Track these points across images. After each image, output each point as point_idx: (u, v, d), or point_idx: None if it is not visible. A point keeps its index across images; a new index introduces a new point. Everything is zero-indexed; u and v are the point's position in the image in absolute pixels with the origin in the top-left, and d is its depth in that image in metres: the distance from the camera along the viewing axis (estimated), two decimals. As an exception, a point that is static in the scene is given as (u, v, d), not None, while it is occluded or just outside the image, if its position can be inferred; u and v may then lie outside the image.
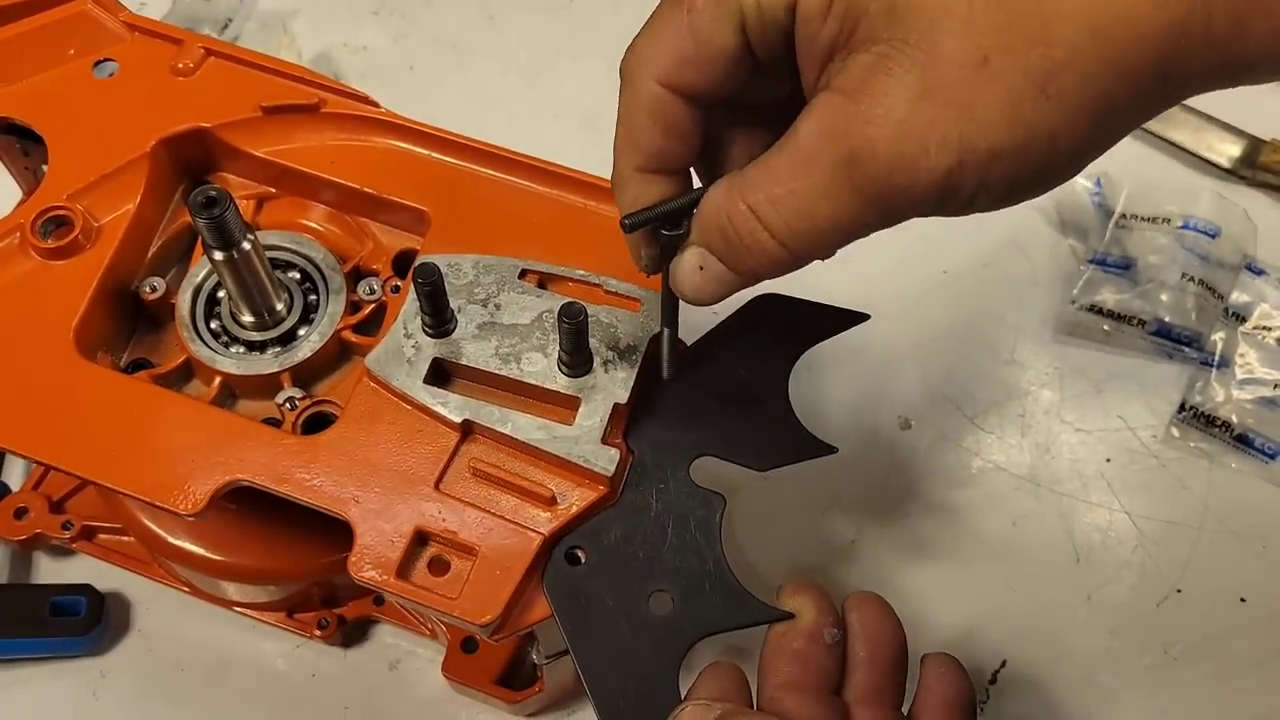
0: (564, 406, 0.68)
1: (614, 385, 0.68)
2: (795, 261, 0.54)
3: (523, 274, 0.71)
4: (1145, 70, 0.47)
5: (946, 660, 0.65)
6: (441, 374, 0.69)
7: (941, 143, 0.48)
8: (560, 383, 0.68)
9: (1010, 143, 0.48)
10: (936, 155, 0.48)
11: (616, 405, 0.67)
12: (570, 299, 0.66)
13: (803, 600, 0.63)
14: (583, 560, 0.66)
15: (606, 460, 0.66)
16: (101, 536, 0.90)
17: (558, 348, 0.67)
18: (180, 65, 0.78)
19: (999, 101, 0.47)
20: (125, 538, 0.89)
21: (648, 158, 0.56)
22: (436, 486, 0.67)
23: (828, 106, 0.50)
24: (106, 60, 0.79)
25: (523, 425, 0.67)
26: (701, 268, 0.56)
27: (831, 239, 0.52)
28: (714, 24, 0.52)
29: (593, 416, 0.67)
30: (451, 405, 0.68)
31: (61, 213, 0.73)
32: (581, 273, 0.71)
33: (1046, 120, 0.48)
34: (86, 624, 0.86)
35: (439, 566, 0.66)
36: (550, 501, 0.66)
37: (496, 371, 0.68)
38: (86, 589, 0.87)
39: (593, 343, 0.67)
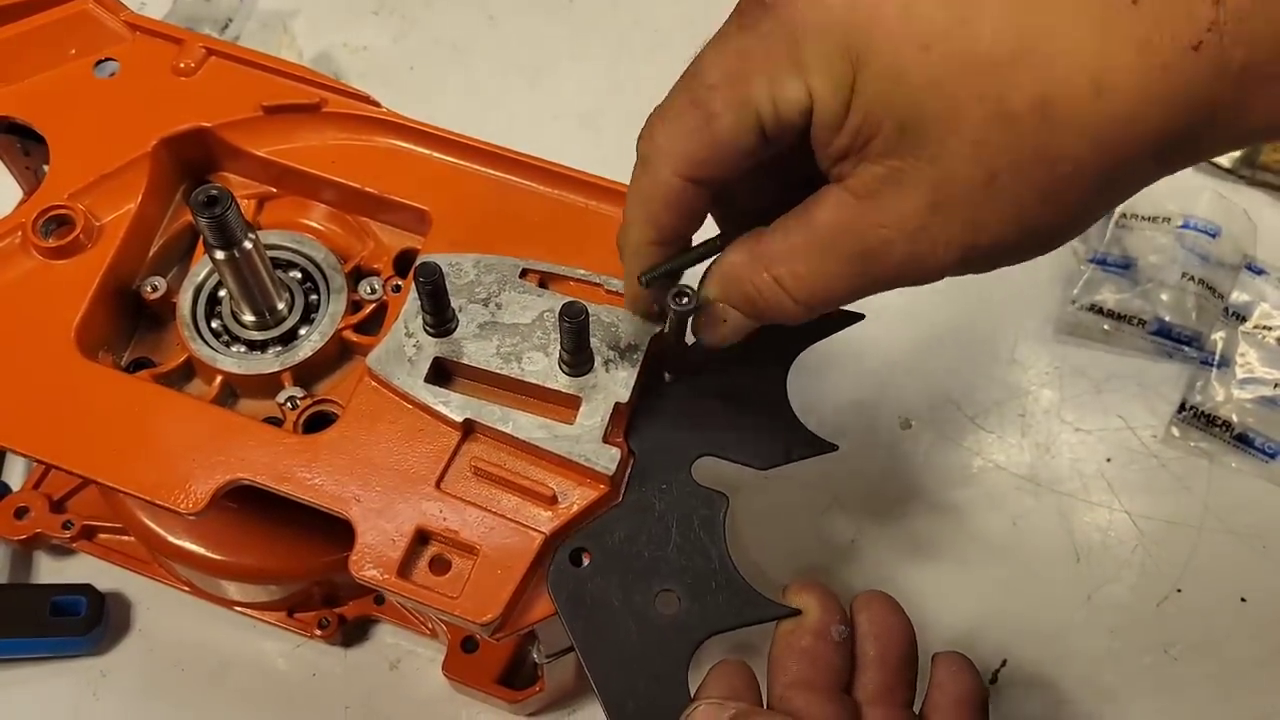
0: (565, 406, 0.68)
1: (615, 384, 0.67)
2: (812, 316, 0.58)
3: (524, 273, 0.71)
4: (1147, 164, 0.50)
5: (958, 658, 0.65)
6: (443, 373, 0.69)
7: (949, 245, 0.51)
8: (561, 382, 0.68)
9: (1013, 240, 0.51)
10: (944, 255, 0.52)
11: (618, 404, 0.67)
12: (571, 298, 0.66)
13: (808, 598, 0.63)
14: (587, 562, 0.66)
15: (607, 459, 0.66)
16: (102, 536, 0.90)
17: (559, 347, 0.67)
18: (181, 65, 0.78)
19: (1005, 213, 0.50)
20: (126, 537, 0.89)
21: (662, 233, 0.59)
22: (438, 486, 0.67)
23: (844, 203, 0.53)
24: (107, 60, 0.79)
25: (524, 424, 0.67)
26: (725, 320, 0.61)
27: (844, 302, 0.57)
28: (733, 128, 0.54)
29: (594, 415, 0.67)
30: (453, 404, 0.68)
31: (63, 212, 0.73)
32: (582, 272, 0.71)
33: (1048, 222, 0.51)
34: (87, 624, 0.86)
35: (440, 566, 0.66)
36: (551, 501, 0.66)
37: (498, 371, 0.68)
38: (87, 589, 0.87)
39: (594, 342, 0.67)
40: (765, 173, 0.58)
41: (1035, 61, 0.47)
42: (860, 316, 0.72)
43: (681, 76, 0.55)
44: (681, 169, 0.56)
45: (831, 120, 0.51)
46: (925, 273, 0.53)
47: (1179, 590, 0.94)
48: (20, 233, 0.73)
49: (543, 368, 0.68)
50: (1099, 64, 0.47)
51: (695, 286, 0.61)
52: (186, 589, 0.89)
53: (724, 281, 0.59)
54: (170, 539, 0.82)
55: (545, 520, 0.66)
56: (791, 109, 0.52)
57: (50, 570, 0.92)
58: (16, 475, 0.93)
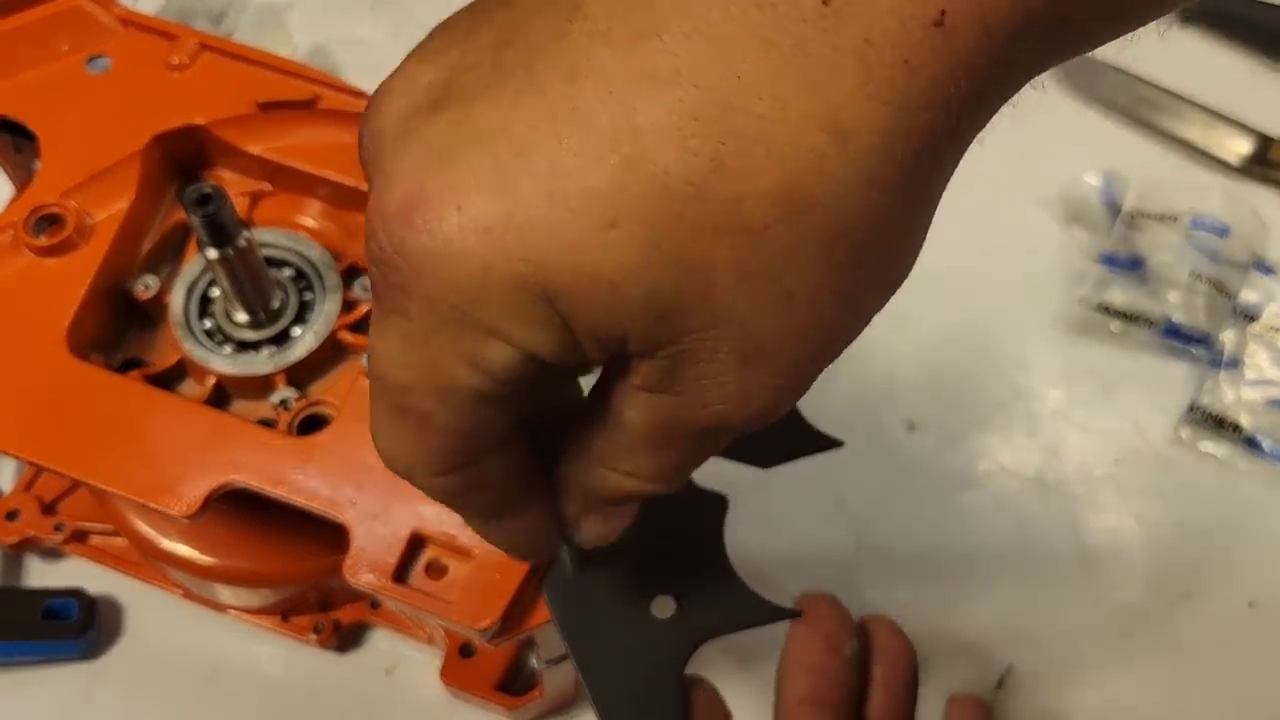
0: (563, 405, 0.67)
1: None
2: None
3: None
4: (944, 146, 0.37)
5: (976, 704, 0.64)
6: (439, 374, 0.68)
7: (788, 375, 0.41)
8: (559, 381, 0.66)
9: (853, 319, 0.41)
10: (788, 386, 0.41)
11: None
12: None
13: (819, 611, 0.62)
14: (583, 564, 0.65)
15: (606, 459, 0.65)
16: (94, 539, 0.89)
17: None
18: (175, 61, 0.77)
19: (826, 313, 0.40)
20: (118, 540, 0.88)
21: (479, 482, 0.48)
22: (434, 489, 0.66)
23: (649, 402, 0.42)
24: (100, 56, 0.78)
25: (522, 425, 0.66)
26: (606, 518, 0.51)
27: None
28: (455, 415, 0.42)
29: (593, 415, 0.66)
30: (449, 406, 0.67)
31: (54, 210, 0.72)
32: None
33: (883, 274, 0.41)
34: (78, 628, 0.85)
35: (436, 570, 0.65)
36: (550, 504, 0.65)
37: (494, 370, 0.67)
38: (78, 593, 0.87)
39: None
40: None
41: (738, 165, 0.35)
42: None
43: (370, 377, 0.44)
44: (436, 469, 0.45)
45: (564, 352, 0.40)
46: (782, 407, 0.43)
47: (1188, 594, 0.93)
48: (11, 231, 0.72)
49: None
50: (822, 110, 0.35)
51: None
52: (179, 592, 0.88)
53: (577, 498, 0.49)
54: (163, 542, 0.82)
55: (543, 524, 0.65)
56: (510, 366, 0.40)
57: (40, 573, 0.91)
58: (7, 478, 0.92)
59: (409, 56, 0.40)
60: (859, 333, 0.42)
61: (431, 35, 0.40)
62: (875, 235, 0.38)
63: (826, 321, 0.40)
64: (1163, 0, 0.37)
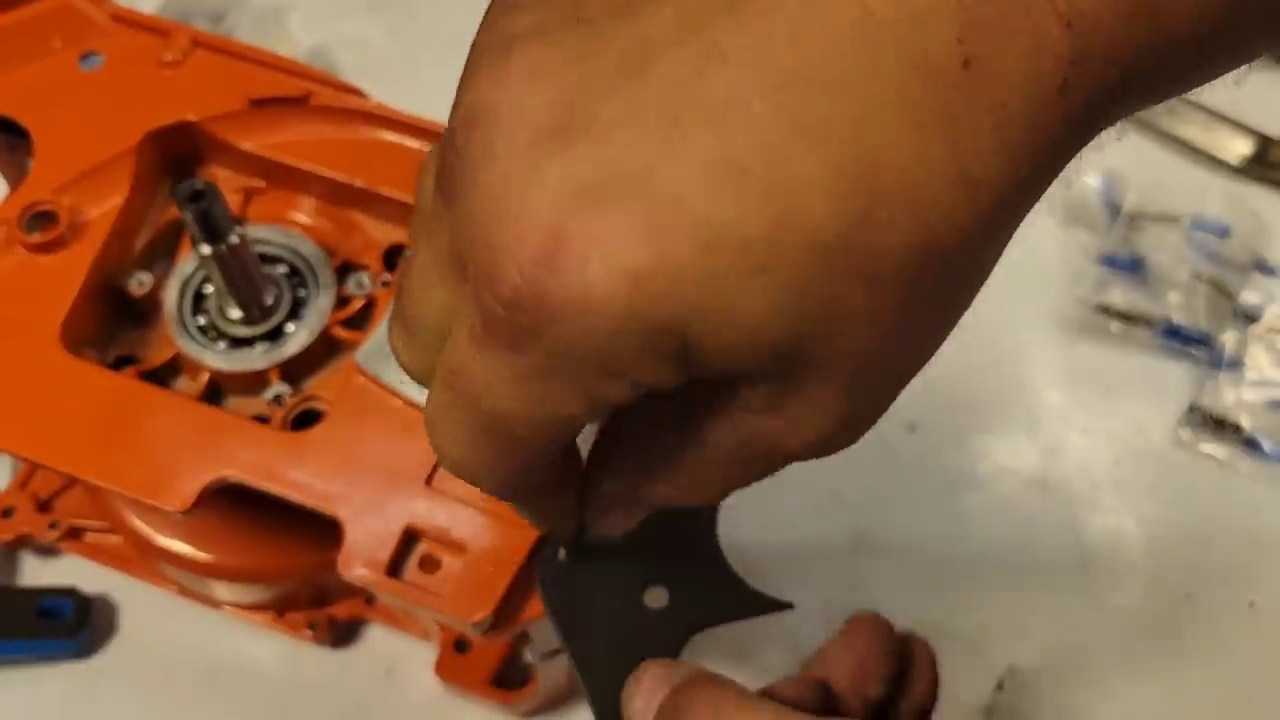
0: (556, 400, 0.67)
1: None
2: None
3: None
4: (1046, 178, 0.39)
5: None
6: (432, 369, 0.68)
7: (871, 410, 0.43)
8: (553, 375, 0.66)
9: (927, 354, 0.43)
10: (866, 421, 0.43)
11: (612, 395, 0.66)
12: None
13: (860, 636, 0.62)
14: (578, 554, 0.65)
15: (599, 454, 0.64)
16: (89, 536, 0.89)
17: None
18: (168, 58, 0.77)
19: (916, 354, 0.42)
20: (113, 537, 0.88)
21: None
22: (427, 483, 0.66)
23: (744, 424, 0.43)
24: (92, 53, 0.78)
25: (514, 419, 0.66)
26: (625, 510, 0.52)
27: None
28: (547, 442, 0.42)
29: (586, 409, 0.66)
30: (442, 400, 0.66)
31: (47, 207, 0.72)
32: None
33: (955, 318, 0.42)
34: (72, 627, 0.85)
35: (430, 564, 0.65)
36: (544, 497, 0.65)
37: (488, 366, 0.67)
38: (72, 592, 0.86)
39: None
40: None
41: (884, 219, 0.36)
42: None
43: (454, 391, 0.42)
44: (505, 479, 0.44)
45: (673, 385, 0.40)
46: (857, 438, 0.44)
47: (1188, 595, 0.92)
48: (4, 228, 0.72)
49: (534, 361, 0.67)
50: (960, 166, 0.36)
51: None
52: (174, 589, 0.88)
53: (611, 498, 0.51)
54: (158, 538, 0.82)
55: (536, 518, 0.65)
56: (623, 400, 0.40)
57: (35, 571, 0.91)
58: (2, 476, 0.92)
59: (501, 66, 0.38)
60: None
61: (523, 47, 0.38)
62: (979, 274, 0.40)
63: (921, 355, 0.42)
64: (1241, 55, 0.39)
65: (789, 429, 0.42)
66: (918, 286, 0.38)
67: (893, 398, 0.43)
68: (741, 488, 0.47)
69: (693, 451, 0.45)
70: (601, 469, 0.50)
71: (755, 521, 0.91)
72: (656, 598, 0.63)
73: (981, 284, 0.41)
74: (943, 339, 0.42)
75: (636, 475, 0.48)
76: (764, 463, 0.44)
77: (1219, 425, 0.97)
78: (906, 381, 0.42)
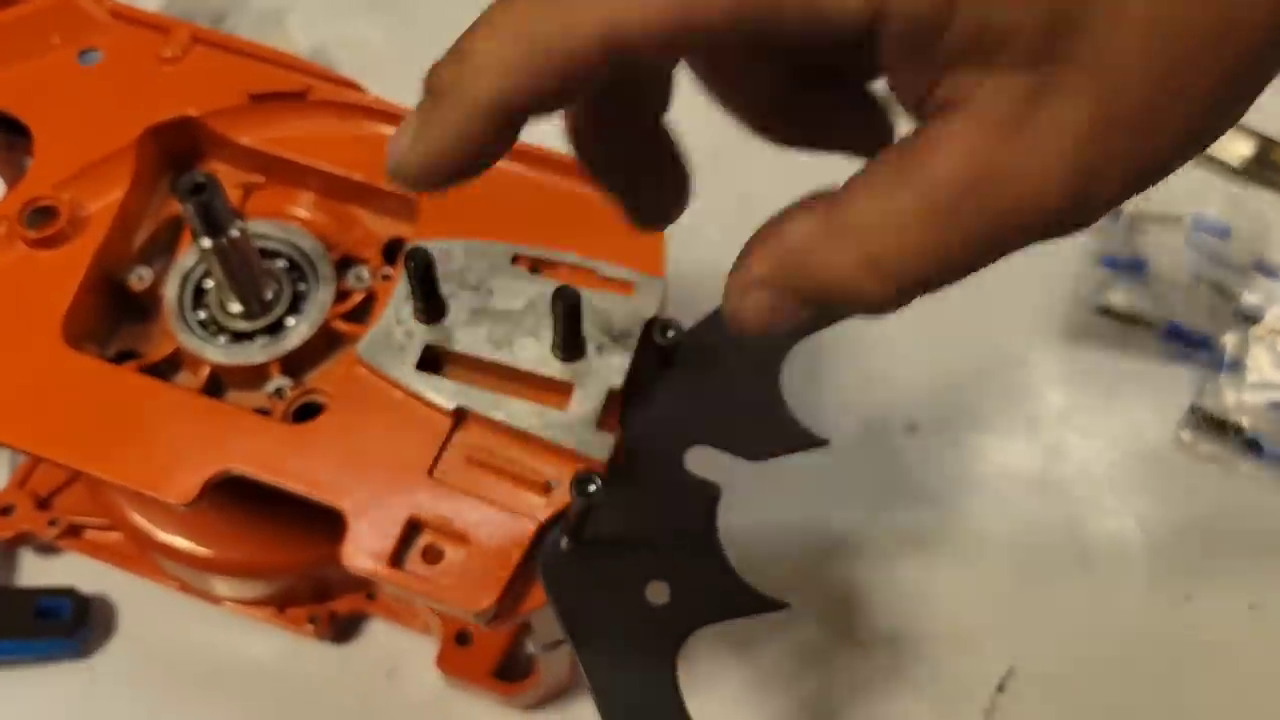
0: (558, 392, 0.67)
1: (608, 370, 0.66)
2: (901, 306, 0.42)
3: (515, 259, 0.70)
4: None
5: None
6: (433, 361, 0.68)
7: (1121, 175, 0.38)
8: (554, 368, 0.66)
9: (1180, 150, 0.39)
10: (1110, 190, 0.39)
11: (611, 390, 0.66)
12: (564, 283, 0.65)
13: None
14: (578, 548, 0.65)
15: (601, 445, 0.64)
16: (89, 533, 0.89)
17: (551, 333, 0.66)
18: (167, 54, 0.77)
19: (1178, 118, 0.38)
20: (113, 534, 0.88)
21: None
22: (430, 474, 0.65)
23: (976, 141, 0.38)
24: (91, 49, 0.78)
25: (516, 411, 0.66)
26: (771, 309, 0.43)
27: (956, 280, 0.41)
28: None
29: (587, 402, 0.66)
30: (444, 392, 0.66)
31: (48, 203, 0.72)
32: (574, 257, 0.70)
33: (1221, 118, 0.39)
34: (70, 627, 0.85)
35: (433, 555, 0.64)
36: (545, 488, 0.65)
37: (489, 357, 0.67)
38: (70, 592, 0.86)
39: (586, 327, 0.66)
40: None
41: None
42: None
43: None
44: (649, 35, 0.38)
45: (923, 29, 0.36)
46: (1083, 220, 0.39)
47: (1188, 597, 0.92)
48: (5, 223, 0.72)
49: (535, 354, 0.67)
50: None
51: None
52: (175, 585, 0.88)
53: (784, 263, 0.42)
54: (159, 534, 0.82)
55: (539, 507, 0.65)
56: (845, 18, 0.36)
57: (34, 569, 0.91)
58: (2, 474, 0.92)
59: None
60: (1142, 188, 0.39)
61: None
62: (1252, 57, 0.37)
63: (1171, 126, 0.38)
64: None
65: (1032, 157, 0.37)
66: (1211, 8, 0.36)
67: (1142, 168, 0.38)
68: (953, 276, 0.41)
69: (911, 190, 0.39)
70: (756, 238, 0.43)
71: (754, 520, 0.91)
72: (657, 593, 0.63)
73: (1261, 82, 0.38)
74: (1217, 118, 0.38)
75: (828, 223, 0.41)
76: (998, 221, 0.39)
77: (1220, 426, 0.97)
78: (1161, 159, 0.38)
